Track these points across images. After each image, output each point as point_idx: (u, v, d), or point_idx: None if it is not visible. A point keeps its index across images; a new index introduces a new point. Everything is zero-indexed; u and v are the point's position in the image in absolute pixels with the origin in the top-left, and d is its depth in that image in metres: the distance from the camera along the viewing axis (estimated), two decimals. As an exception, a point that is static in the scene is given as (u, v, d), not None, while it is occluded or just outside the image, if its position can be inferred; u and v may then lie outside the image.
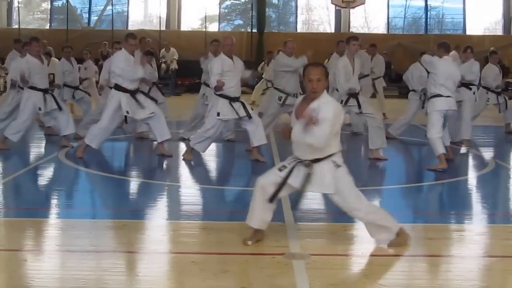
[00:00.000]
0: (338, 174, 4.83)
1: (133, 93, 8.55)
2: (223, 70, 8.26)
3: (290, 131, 4.91)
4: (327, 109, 4.73)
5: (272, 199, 4.87)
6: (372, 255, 4.87)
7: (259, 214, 4.94)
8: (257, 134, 8.49)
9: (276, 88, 9.68)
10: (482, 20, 25.13)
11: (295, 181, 4.82)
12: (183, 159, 8.68)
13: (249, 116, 8.39)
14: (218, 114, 8.36)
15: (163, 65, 20.12)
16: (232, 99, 8.37)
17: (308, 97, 4.88)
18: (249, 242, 4.96)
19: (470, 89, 10.27)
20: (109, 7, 23.68)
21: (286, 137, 4.94)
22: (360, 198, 4.92)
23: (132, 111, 8.53)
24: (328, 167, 4.80)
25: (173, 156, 9.00)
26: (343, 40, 9.62)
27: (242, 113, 8.37)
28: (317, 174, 4.79)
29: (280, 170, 4.90)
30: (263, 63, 17.44)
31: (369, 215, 4.92)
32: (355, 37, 8.94)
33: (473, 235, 5.54)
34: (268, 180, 4.92)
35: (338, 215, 5.98)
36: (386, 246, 4.94)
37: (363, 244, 5.09)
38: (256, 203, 4.94)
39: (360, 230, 5.58)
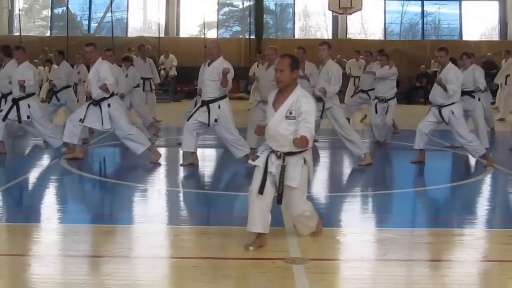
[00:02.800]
0: (304, 171, 4.94)
1: (95, 102, 8.75)
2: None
3: (263, 129, 5.02)
4: (308, 102, 4.90)
5: (261, 191, 4.92)
6: (371, 260, 4.91)
7: (260, 218, 4.97)
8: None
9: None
10: (479, 26, 25.20)
11: (271, 168, 4.93)
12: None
13: (208, 124, 8.52)
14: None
15: (162, 72, 20.17)
16: (201, 103, 8.62)
17: (283, 89, 5.00)
18: (251, 248, 5.00)
19: (474, 97, 10.22)
20: (109, 14, 23.69)
21: (260, 133, 5.05)
22: (304, 197, 5.11)
23: (86, 117, 8.75)
24: (297, 162, 4.91)
25: (172, 161, 9.02)
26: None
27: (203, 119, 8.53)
28: (288, 166, 4.91)
29: (253, 160, 5.01)
30: (255, 64, 17.35)
31: (304, 215, 5.11)
32: (323, 41, 9.40)
33: (471, 239, 5.58)
34: (258, 184, 4.96)
35: (337, 220, 6.04)
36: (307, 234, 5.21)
37: (362, 249, 5.12)
38: (254, 208, 4.97)
39: (359, 235, 5.63)
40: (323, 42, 9.31)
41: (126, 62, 12.21)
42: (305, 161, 4.94)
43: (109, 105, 8.73)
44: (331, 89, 8.63)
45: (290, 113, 4.87)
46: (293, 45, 10.53)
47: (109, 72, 8.76)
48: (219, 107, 8.44)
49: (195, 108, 8.77)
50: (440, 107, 8.78)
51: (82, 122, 8.81)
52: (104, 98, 8.73)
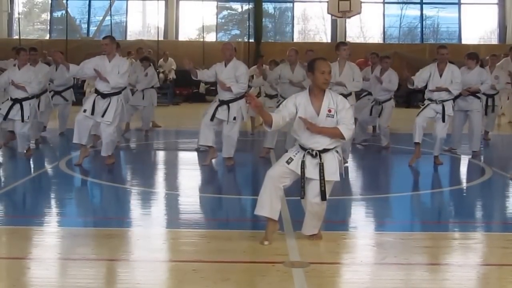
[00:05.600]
0: (339, 165, 5.22)
1: (102, 95, 8.70)
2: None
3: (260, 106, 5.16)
4: (343, 100, 5.24)
5: (302, 196, 5.19)
6: (370, 264, 4.91)
7: (269, 203, 5.15)
8: (224, 146, 8.96)
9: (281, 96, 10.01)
10: (478, 30, 25.20)
11: (310, 171, 5.12)
12: None
13: (227, 121, 8.80)
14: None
15: (161, 75, 20.15)
16: (220, 102, 8.85)
17: (315, 90, 5.19)
18: (266, 242, 5.15)
19: (478, 98, 10.23)
20: (108, 18, 23.69)
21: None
22: (331, 188, 5.24)
23: (94, 111, 8.67)
24: (333, 156, 5.20)
25: (171, 164, 9.01)
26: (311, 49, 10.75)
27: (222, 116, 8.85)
28: (325, 163, 5.14)
29: (288, 162, 5.18)
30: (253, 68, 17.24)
31: (323, 206, 5.19)
32: (344, 42, 9.76)
33: (471, 243, 5.58)
34: (277, 173, 5.19)
35: (336, 224, 6.04)
36: (308, 234, 5.27)
37: (362, 252, 5.13)
38: (266, 192, 5.16)
39: (359, 238, 5.63)
40: (345, 43, 9.75)
41: (144, 62, 12.74)
42: (338, 152, 5.25)
43: (118, 100, 8.81)
44: (357, 84, 9.10)
45: (330, 111, 5.15)
46: (292, 49, 10.57)
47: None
48: (240, 106, 8.85)
49: (214, 108, 8.94)
50: (443, 101, 9.06)
51: (85, 112, 8.76)
52: (117, 93, 8.77)
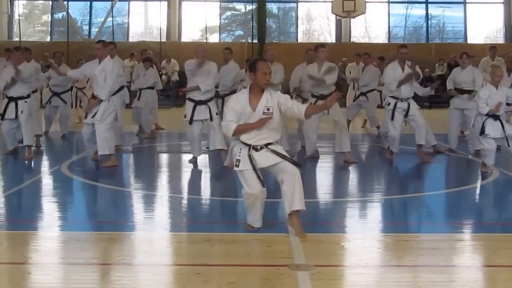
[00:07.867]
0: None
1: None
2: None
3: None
4: (280, 94, 5.47)
5: (263, 184, 5.40)
6: (376, 266, 4.86)
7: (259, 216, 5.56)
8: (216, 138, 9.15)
9: None
10: (483, 29, 25.13)
11: (263, 161, 5.33)
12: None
13: (211, 119, 9.03)
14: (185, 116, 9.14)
15: (164, 77, 20.12)
16: (196, 102, 8.99)
17: (255, 89, 5.39)
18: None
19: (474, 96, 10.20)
20: (110, 19, 23.70)
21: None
22: None
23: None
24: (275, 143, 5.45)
25: (174, 167, 8.98)
26: (311, 49, 10.60)
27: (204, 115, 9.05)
28: (272, 147, 5.38)
29: (237, 165, 5.37)
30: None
31: (299, 173, 5.35)
32: (322, 44, 9.95)
33: (477, 244, 5.53)
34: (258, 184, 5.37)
35: (341, 226, 6.00)
36: (299, 208, 5.34)
37: (367, 255, 5.07)
38: (259, 206, 5.49)
39: (364, 240, 5.58)
40: (323, 45, 9.89)
41: (145, 62, 12.85)
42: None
43: (108, 101, 8.90)
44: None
45: (268, 109, 5.32)
46: (296, 49, 10.61)
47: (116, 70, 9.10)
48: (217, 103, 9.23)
49: (191, 111, 9.02)
50: (407, 99, 9.33)
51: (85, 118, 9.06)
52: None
